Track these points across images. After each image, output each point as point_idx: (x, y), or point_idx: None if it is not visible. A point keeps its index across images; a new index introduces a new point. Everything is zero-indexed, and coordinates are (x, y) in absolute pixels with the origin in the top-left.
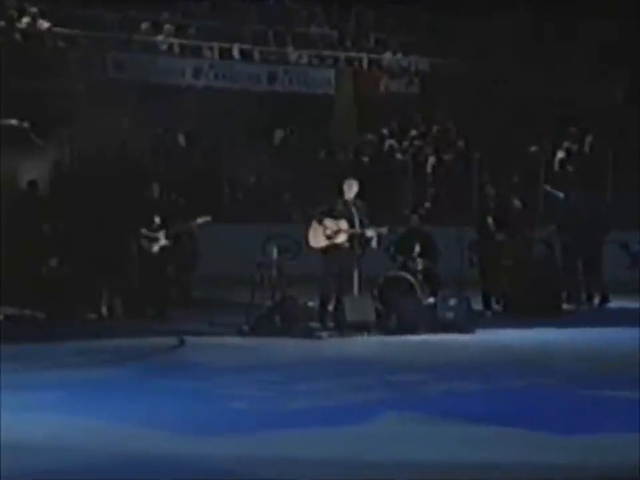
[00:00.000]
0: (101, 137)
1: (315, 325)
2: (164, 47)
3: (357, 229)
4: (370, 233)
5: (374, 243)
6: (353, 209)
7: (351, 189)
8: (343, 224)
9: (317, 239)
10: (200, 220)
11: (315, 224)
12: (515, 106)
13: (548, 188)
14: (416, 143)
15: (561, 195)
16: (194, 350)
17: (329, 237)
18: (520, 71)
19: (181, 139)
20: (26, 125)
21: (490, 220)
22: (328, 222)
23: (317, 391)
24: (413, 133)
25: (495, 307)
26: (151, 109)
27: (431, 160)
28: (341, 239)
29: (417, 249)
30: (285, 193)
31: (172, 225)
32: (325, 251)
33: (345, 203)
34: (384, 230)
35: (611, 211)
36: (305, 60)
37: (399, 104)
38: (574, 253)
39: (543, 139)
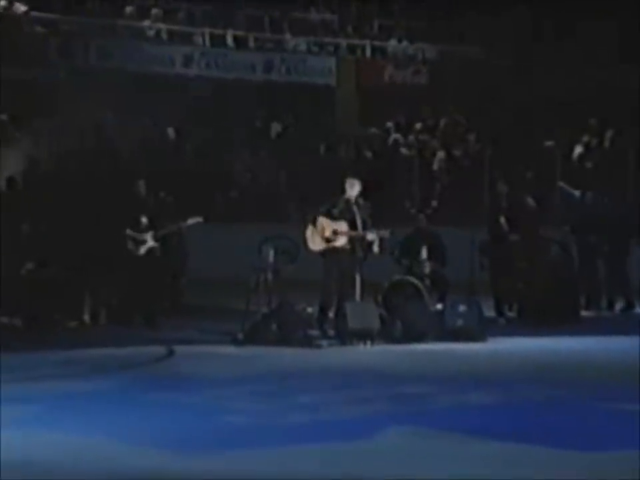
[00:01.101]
0: (83, 130)
1: (314, 332)
2: (151, 33)
3: (359, 230)
4: (371, 236)
5: (375, 248)
6: (355, 209)
7: (353, 188)
8: (343, 225)
9: (315, 241)
10: (190, 221)
11: (312, 225)
12: (530, 97)
13: (562, 185)
14: (423, 137)
15: (577, 192)
16: (184, 360)
17: (328, 240)
18: (536, 59)
19: (170, 133)
20: (4, 117)
21: (502, 220)
22: (326, 223)
23: (317, 404)
24: (420, 126)
25: (508, 313)
26: (138, 100)
27: (439, 155)
28: (341, 241)
29: (424, 251)
30: (283, 191)
31: (160, 225)
32: (324, 253)
33: (347, 202)
34: (386, 233)
35: (635, 210)
36: (303, 47)
37: (404, 95)
38: (593, 255)
39: (559, 133)
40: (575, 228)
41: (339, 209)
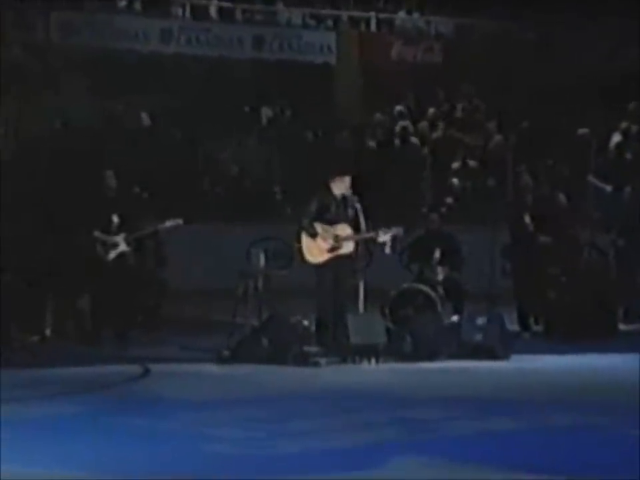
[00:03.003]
0: (44, 115)
1: (311, 349)
2: (122, 4)
3: (364, 231)
4: (383, 236)
5: (387, 248)
6: (350, 209)
7: (344, 183)
8: (345, 228)
9: (314, 252)
10: (169, 223)
11: (305, 234)
12: (560, 78)
13: (592, 179)
14: (436, 124)
15: (608, 187)
16: (161, 381)
17: (332, 249)
18: (566, 33)
19: (145, 119)
20: None
21: (528, 219)
22: (323, 228)
23: (313, 431)
24: (433, 112)
25: (535, 327)
26: (107, 81)
27: (455, 145)
28: (348, 248)
29: (437, 255)
30: (275, 186)
31: (134, 226)
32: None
33: (339, 199)
34: (399, 231)
35: None
36: (298, 21)
37: (415, 76)
38: (632, 260)
39: (594, 119)
40: (611, 228)
41: (333, 210)
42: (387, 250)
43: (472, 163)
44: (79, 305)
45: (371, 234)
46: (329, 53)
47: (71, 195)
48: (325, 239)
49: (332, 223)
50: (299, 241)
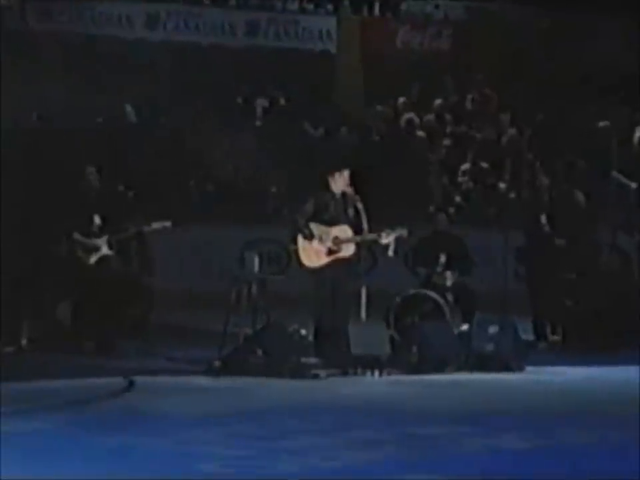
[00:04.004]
0: (18, 107)
1: (309, 360)
2: None
3: (367, 232)
4: (387, 238)
5: (390, 251)
6: (350, 208)
7: (343, 178)
8: (345, 230)
9: (311, 256)
10: (156, 225)
11: (301, 236)
12: (579, 67)
13: (616, 174)
14: (444, 116)
15: (633, 184)
16: (146, 395)
17: (331, 252)
18: (585, 18)
19: (129, 112)
20: None
21: (543, 219)
22: (322, 230)
23: (313, 448)
24: (441, 103)
25: (551, 336)
26: (88, 70)
27: (464, 139)
28: (348, 250)
29: (444, 258)
30: (271, 184)
31: (117, 227)
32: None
33: (336, 199)
34: (404, 232)
35: None
36: (295, 5)
37: (421, 64)
38: None
39: (615, 111)
40: (635, 229)
41: (332, 209)
42: (390, 253)
43: (483, 158)
44: (57, 313)
45: (374, 235)
46: (329, 40)
47: (48, 194)
48: (322, 241)
49: (331, 223)
50: (296, 244)
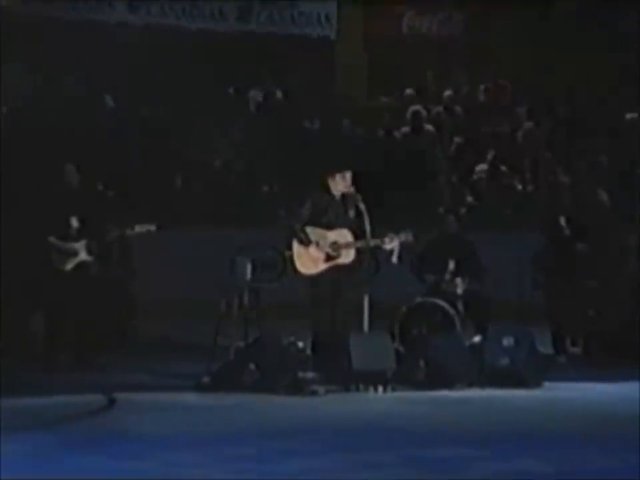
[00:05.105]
0: None
1: (306, 375)
2: None
3: (369, 238)
4: (390, 243)
5: (394, 257)
6: (351, 210)
7: (344, 180)
8: (345, 234)
9: (307, 262)
10: (139, 228)
11: (298, 242)
12: (603, 54)
13: None
14: (454, 109)
15: None
16: (129, 413)
17: (330, 258)
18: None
19: (109, 102)
20: None
21: (563, 221)
22: (319, 234)
23: (312, 471)
24: (451, 94)
25: (571, 349)
26: (65, 57)
27: (476, 134)
28: (349, 256)
29: (454, 264)
30: (264, 184)
31: (97, 231)
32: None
33: (336, 201)
34: (409, 236)
35: None
36: None
37: (429, 52)
38: None
39: None
40: None
41: (331, 212)
42: (394, 259)
43: (496, 154)
44: (31, 324)
45: (376, 241)
46: (328, 25)
47: (21, 194)
48: (319, 247)
49: (330, 227)
50: (291, 249)
